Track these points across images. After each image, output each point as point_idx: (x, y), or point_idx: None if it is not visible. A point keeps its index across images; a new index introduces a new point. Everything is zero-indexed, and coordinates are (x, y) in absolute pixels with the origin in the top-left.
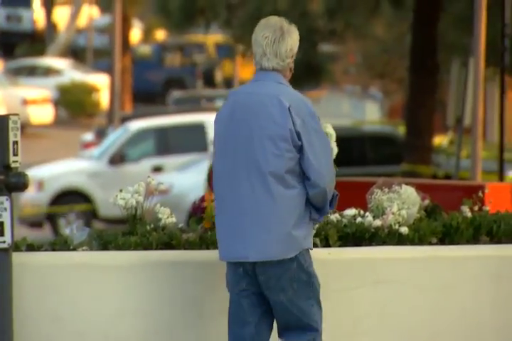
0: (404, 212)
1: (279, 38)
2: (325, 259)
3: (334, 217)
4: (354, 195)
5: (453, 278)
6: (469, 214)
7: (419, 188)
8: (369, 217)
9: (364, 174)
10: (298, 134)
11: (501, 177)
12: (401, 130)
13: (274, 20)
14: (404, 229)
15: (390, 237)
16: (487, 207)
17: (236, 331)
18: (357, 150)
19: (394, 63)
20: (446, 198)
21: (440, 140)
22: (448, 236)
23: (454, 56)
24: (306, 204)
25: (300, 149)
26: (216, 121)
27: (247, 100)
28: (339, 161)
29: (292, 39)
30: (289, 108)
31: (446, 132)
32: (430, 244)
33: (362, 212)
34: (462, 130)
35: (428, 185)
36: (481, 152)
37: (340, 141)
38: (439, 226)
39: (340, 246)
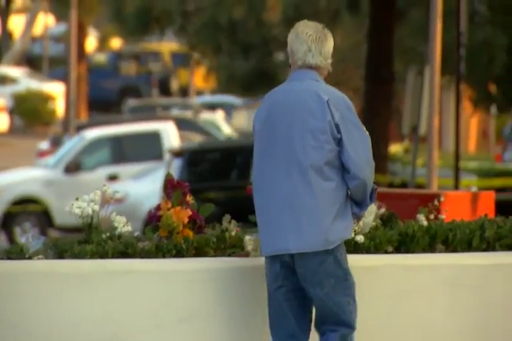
0: (360, 221)
1: (323, 38)
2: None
3: None
4: None
5: (408, 286)
6: (425, 223)
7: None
8: None
9: None
10: (337, 127)
11: (457, 185)
12: None
13: (313, 22)
14: (360, 238)
15: (346, 245)
16: (443, 216)
17: (277, 324)
18: None
19: (350, 72)
20: (402, 206)
21: (396, 148)
22: (404, 245)
23: (410, 64)
24: (346, 198)
25: (339, 142)
26: (255, 120)
27: (285, 98)
28: None
29: (331, 42)
30: (327, 101)
31: (402, 141)
32: (386, 252)
33: None
34: (418, 138)
35: (384, 194)
36: (437, 160)
37: None
38: (395, 235)
39: None
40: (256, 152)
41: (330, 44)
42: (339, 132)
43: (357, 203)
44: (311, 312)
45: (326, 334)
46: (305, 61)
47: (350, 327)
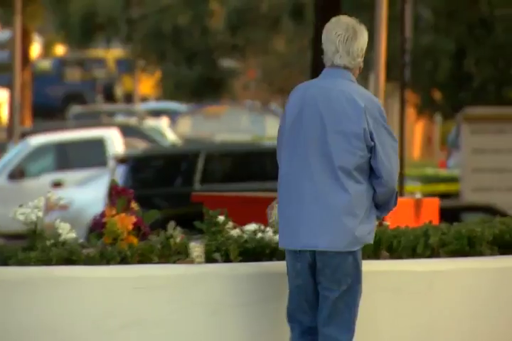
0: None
1: (352, 37)
2: (226, 274)
3: (235, 232)
4: (255, 210)
5: None
6: None
7: None
8: (269, 232)
9: (264, 189)
10: (371, 134)
11: (401, 192)
12: None
13: (346, 19)
14: None
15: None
16: (387, 222)
17: (297, 319)
18: (257, 165)
19: (294, 78)
20: None
21: None
22: None
23: None
24: (371, 202)
25: (371, 149)
26: (287, 113)
27: (319, 94)
28: (239, 176)
29: (363, 38)
30: (364, 108)
31: None
32: None
33: (262, 227)
34: None
35: None
36: None
37: (240, 156)
38: None
39: (241, 261)
40: (286, 147)
41: (360, 42)
42: (372, 140)
43: (379, 206)
44: None
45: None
46: (333, 62)
47: (351, 330)
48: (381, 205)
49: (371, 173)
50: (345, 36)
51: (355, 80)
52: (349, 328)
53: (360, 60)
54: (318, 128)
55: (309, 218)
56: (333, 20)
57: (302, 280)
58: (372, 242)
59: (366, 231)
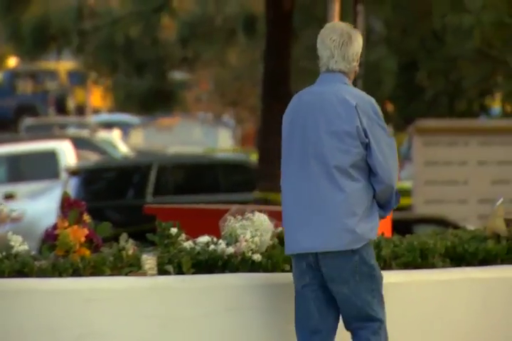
0: (257, 239)
1: (347, 42)
2: (178, 287)
3: (188, 244)
4: (207, 222)
5: None
6: None
7: (272, 215)
8: (222, 244)
9: (217, 201)
10: (365, 131)
11: None
12: (253, 157)
13: (340, 25)
14: (257, 257)
15: (243, 264)
16: None
17: (303, 323)
18: (209, 177)
19: (246, 91)
20: None
21: None
22: None
23: (307, 83)
24: (373, 200)
25: (367, 146)
26: (284, 123)
27: (312, 99)
28: (191, 188)
29: (358, 43)
30: (355, 106)
31: None
32: (283, 271)
33: (215, 239)
34: None
35: (280, 212)
36: None
37: (192, 168)
38: None
39: (193, 273)
40: (284, 154)
41: (355, 47)
42: (367, 137)
43: (381, 206)
44: (338, 311)
45: (357, 335)
46: (328, 67)
47: (379, 320)
48: (383, 204)
49: (370, 171)
50: (340, 41)
51: (349, 83)
52: (375, 319)
53: (356, 64)
54: (312, 131)
55: (307, 221)
56: (328, 26)
57: (309, 280)
58: (375, 238)
59: (368, 228)
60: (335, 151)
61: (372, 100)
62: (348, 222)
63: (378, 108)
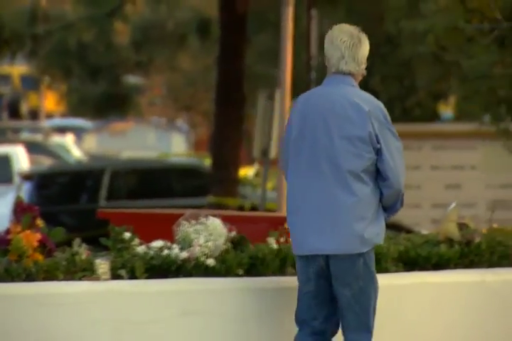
0: (210, 244)
1: (357, 43)
2: (131, 291)
3: (141, 249)
4: (161, 227)
5: (259, 309)
6: (275, 246)
7: (226, 220)
8: (176, 249)
9: (171, 206)
10: (377, 137)
11: None
12: (207, 162)
13: (349, 27)
14: (210, 261)
15: (196, 269)
16: None
17: (305, 322)
18: (163, 182)
19: (200, 95)
20: (253, 230)
21: (246, 172)
22: (254, 268)
23: (261, 88)
24: (379, 203)
25: (378, 151)
26: (291, 123)
27: (321, 101)
28: (145, 193)
29: (366, 46)
30: (368, 112)
31: (252, 164)
32: (237, 275)
33: (169, 244)
34: (268, 162)
35: (234, 217)
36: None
37: (146, 173)
38: (246, 258)
39: (147, 278)
40: (293, 156)
41: (364, 49)
42: (378, 142)
43: (386, 208)
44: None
45: None
46: (338, 68)
47: (370, 331)
48: (388, 207)
49: (377, 175)
50: (350, 43)
51: (357, 85)
52: (367, 330)
53: (364, 66)
54: (323, 134)
55: (318, 223)
56: (336, 27)
57: (314, 286)
58: (382, 242)
59: (375, 232)
60: (348, 155)
61: (381, 104)
62: (358, 226)
63: (387, 112)
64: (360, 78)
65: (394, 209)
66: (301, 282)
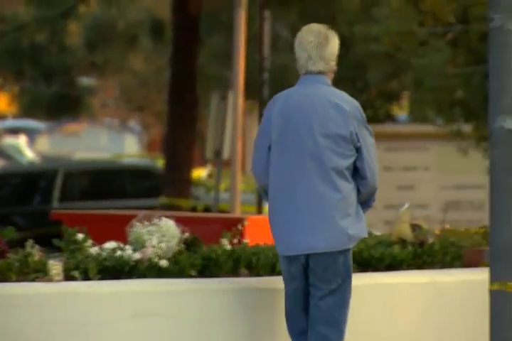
0: (163, 245)
1: (323, 42)
2: (85, 292)
3: (94, 250)
4: (114, 228)
5: (212, 310)
6: (229, 247)
7: (179, 221)
8: (129, 250)
9: (123, 207)
10: (357, 135)
11: (260, 209)
12: (160, 163)
13: (316, 26)
14: (163, 262)
15: (149, 270)
16: (246, 240)
17: (294, 321)
18: (116, 183)
19: (152, 96)
20: (206, 231)
21: (199, 173)
22: (208, 269)
23: (214, 89)
24: (357, 199)
25: (357, 149)
26: (272, 122)
27: (302, 100)
28: (98, 194)
29: (335, 42)
30: (348, 111)
31: (205, 165)
32: (190, 276)
33: (122, 245)
34: (221, 163)
35: (188, 218)
36: (240, 185)
37: (99, 174)
38: (199, 259)
39: (100, 279)
40: (276, 154)
41: (332, 47)
42: (359, 141)
43: (360, 204)
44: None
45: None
46: (307, 68)
47: (340, 329)
48: (362, 203)
49: (355, 173)
50: (316, 42)
51: (330, 84)
52: (339, 327)
53: (333, 63)
54: (306, 133)
55: (305, 221)
56: (304, 28)
57: (297, 283)
58: (366, 236)
59: (359, 228)
60: (331, 154)
61: (357, 103)
62: (343, 222)
63: (362, 110)
64: (332, 75)
65: (368, 205)
66: (287, 279)
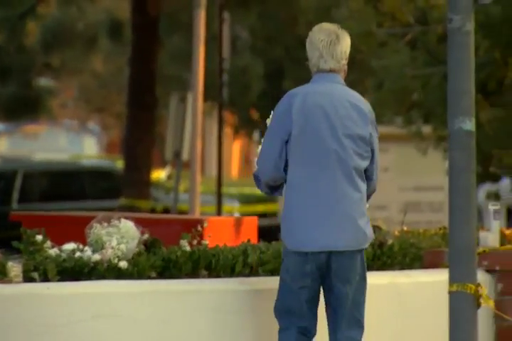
0: (123, 247)
1: (335, 41)
2: (44, 294)
3: (53, 251)
4: (73, 229)
5: (172, 311)
6: (188, 248)
7: (138, 222)
8: (88, 251)
9: (83, 208)
10: (372, 137)
11: (219, 211)
12: (119, 164)
13: (327, 25)
14: (123, 264)
15: (109, 272)
16: (206, 241)
17: (293, 320)
18: (75, 184)
19: (112, 97)
20: (166, 232)
21: (159, 174)
22: (167, 270)
23: (173, 90)
24: None
25: (371, 152)
26: (288, 117)
27: (321, 100)
28: (57, 195)
29: (346, 41)
30: (368, 113)
31: (164, 166)
32: (150, 278)
33: (81, 246)
34: (181, 164)
35: (147, 219)
36: (200, 186)
37: (58, 175)
38: (158, 261)
39: (59, 280)
40: (296, 152)
41: (344, 45)
42: (373, 142)
43: None
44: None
45: None
46: (319, 67)
47: (362, 326)
48: None
49: (366, 175)
50: (328, 41)
51: (344, 83)
52: (361, 325)
53: (345, 62)
54: (328, 132)
55: (326, 218)
56: (315, 28)
57: (310, 282)
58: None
59: (371, 229)
60: (353, 154)
61: (369, 105)
62: (361, 222)
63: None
64: (343, 74)
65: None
66: (295, 277)
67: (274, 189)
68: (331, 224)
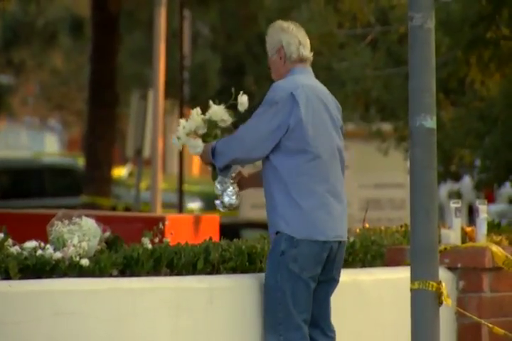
0: (84, 244)
1: (302, 32)
2: (5, 292)
3: (14, 249)
4: (34, 227)
5: (133, 309)
6: (150, 246)
7: (100, 220)
8: (50, 249)
9: (43, 206)
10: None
11: (181, 208)
12: (80, 162)
13: (282, 21)
14: (84, 261)
15: (70, 269)
16: (168, 239)
17: (304, 309)
18: (36, 182)
19: (72, 95)
20: (127, 230)
21: (120, 171)
22: (129, 268)
23: (134, 88)
24: None
25: None
26: (297, 110)
27: (317, 94)
28: (17, 193)
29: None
30: (340, 107)
31: (125, 164)
32: (111, 275)
33: (43, 244)
34: (142, 162)
35: (108, 217)
36: (161, 184)
37: (19, 172)
38: (120, 258)
39: (20, 278)
40: (303, 142)
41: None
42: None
43: None
44: None
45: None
46: (300, 54)
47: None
48: None
49: None
50: (295, 28)
51: None
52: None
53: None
54: (332, 125)
55: (338, 209)
56: (277, 23)
57: (319, 270)
58: None
59: None
60: (342, 147)
61: None
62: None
63: None
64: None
65: None
66: (308, 266)
67: (225, 169)
68: (341, 213)
